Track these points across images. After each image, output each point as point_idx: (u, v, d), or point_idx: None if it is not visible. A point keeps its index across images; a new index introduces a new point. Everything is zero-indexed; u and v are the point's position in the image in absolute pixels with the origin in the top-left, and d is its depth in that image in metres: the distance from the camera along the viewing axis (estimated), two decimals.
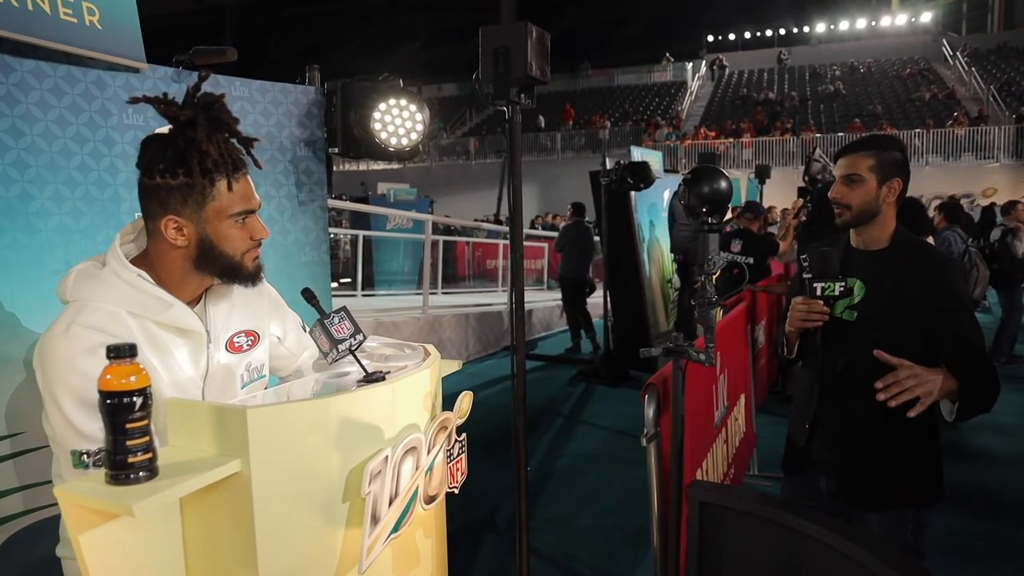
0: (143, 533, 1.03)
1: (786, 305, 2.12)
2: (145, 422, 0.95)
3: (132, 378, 0.93)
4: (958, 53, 30.40)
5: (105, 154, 2.16)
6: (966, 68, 28.72)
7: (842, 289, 1.94)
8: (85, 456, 1.20)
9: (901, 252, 1.99)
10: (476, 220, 17.79)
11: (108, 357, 0.94)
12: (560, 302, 10.34)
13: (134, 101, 1.35)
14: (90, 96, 2.13)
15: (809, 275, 1.96)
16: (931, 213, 6.83)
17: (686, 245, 7.21)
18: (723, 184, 1.86)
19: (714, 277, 1.95)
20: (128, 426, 0.93)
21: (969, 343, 1.88)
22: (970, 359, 1.85)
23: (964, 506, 3.82)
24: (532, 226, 16.87)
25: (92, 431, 1.20)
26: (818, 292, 1.94)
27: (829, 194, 2.04)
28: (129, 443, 0.93)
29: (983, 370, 1.86)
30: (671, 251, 7.61)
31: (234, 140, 1.36)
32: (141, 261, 1.37)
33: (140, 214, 1.38)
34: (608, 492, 4.23)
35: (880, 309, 1.96)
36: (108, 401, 0.93)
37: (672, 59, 36.36)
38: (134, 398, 0.93)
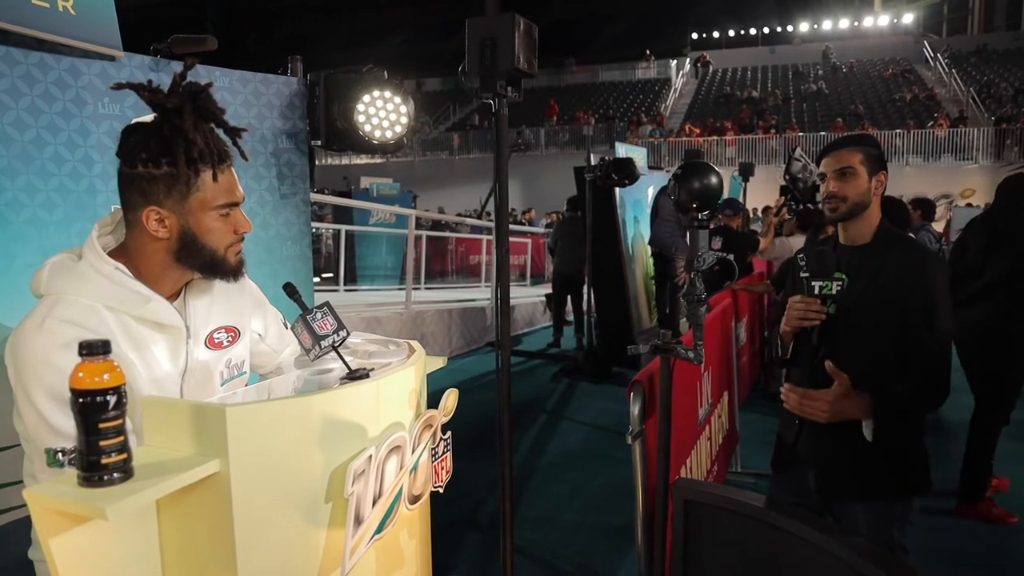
0: (118, 536, 0.99)
1: (777, 308, 2.13)
2: (119, 421, 0.91)
3: (105, 376, 0.90)
4: (939, 55, 30.75)
5: (80, 144, 2.11)
6: (946, 70, 29.05)
7: (839, 287, 1.95)
8: (60, 455, 1.17)
9: (883, 244, 2.03)
10: (459, 214, 17.74)
11: (80, 354, 0.90)
12: (543, 298, 10.34)
13: (118, 87, 1.31)
14: (64, 84, 2.08)
15: (807, 274, 1.97)
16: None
17: (665, 240, 7.22)
18: (714, 180, 1.85)
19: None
20: (101, 426, 0.89)
21: (931, 353, 1.92)
22: (924, 370, 1.92)
23: (947, 501, 3.86)
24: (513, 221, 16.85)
25: (68, 429, 1.16)
26: (816, 291, 1.95)
27: (824, 190, 2.05)
28: (102, 443, 0.89)
29: (929, 384, 1.92)
30: (648, 243, 7.62)
31: (220, 130, 1.32)
32: (119, 254, 1.33)
33: (117, 206, 1.34)
34: (591, 489, 4.23)
35: (859, 301, 1.98)
36: (80, 400, 0.89)
37: (653, 56, 36.44)
38: (107, 397, 0.89)
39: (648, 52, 36.70)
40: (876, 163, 2.03)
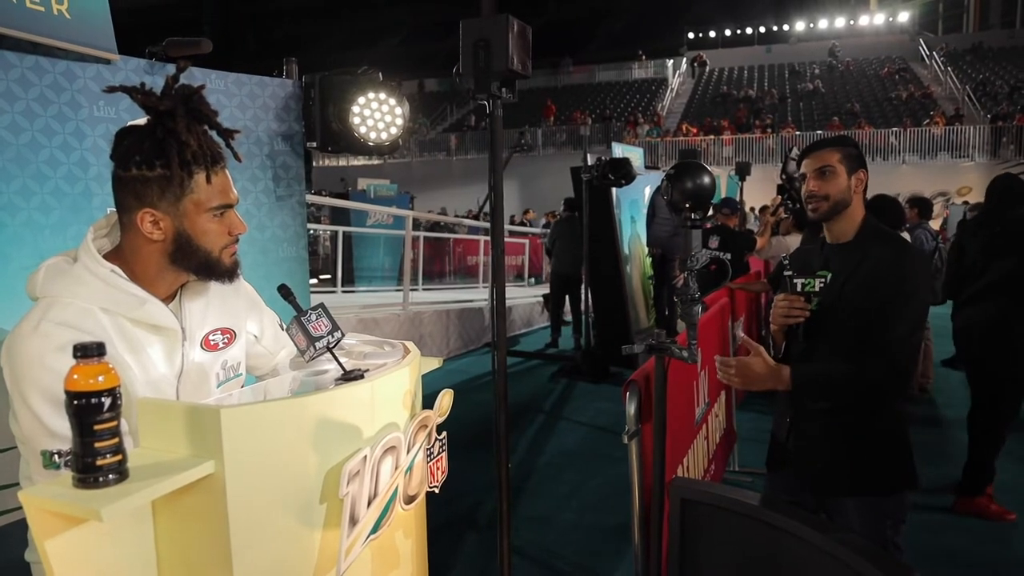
0: (113, 538, 1.00)
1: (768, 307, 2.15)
2: (114, 423, 0.92)
3: (100, 378, 0.90)
4: (934, 53, 30.80)
5: (75, 147, 2.11)
6: (942, 68, 29.11)
7: (822, 285, 1.96)
8: (56, 456, 1.16)
9: (865, 240, 2.04)
10: (457, 215, 17.74)
11: (75, 356, 0.91)
12: (540, 298, 10.34)
13: (111, 90, 1.31)
14: (59, 88, 2.08)
15: (790, 272, 1.99)
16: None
17: (665, 241, 7.23)
18: (706, 180, 1.86)
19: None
20: (96, 427, 0.90)
21: (889, 340, 1.90)
22: (876, 354, 1.90)
23: (942, 498, 3.87)
24: (510, 222, 16.88)
25: (63, 430, 1.16)
26: (799, 288, 1.97)
27: (804, 189, 2.06)
28: (97, 445, 0.90)
29: (876, 368, 1.90)
30: (647, 244, 7.62)
31: (213, 132, 1.33)
32: (114, 256, 1.34)
33: (112, 208, 1.35)
34: (589, 489, 4.23)
35: (840, 296, 2.00)
36: (75, 402, 0.90)
37: (644, 56, 36.44)
38: (102, 399, 0.90)
39: (640, 53, 36.70)
40: (855, 162, 2.06)
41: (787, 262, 2.02)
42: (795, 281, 1.99)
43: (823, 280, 1.98)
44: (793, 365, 1.94)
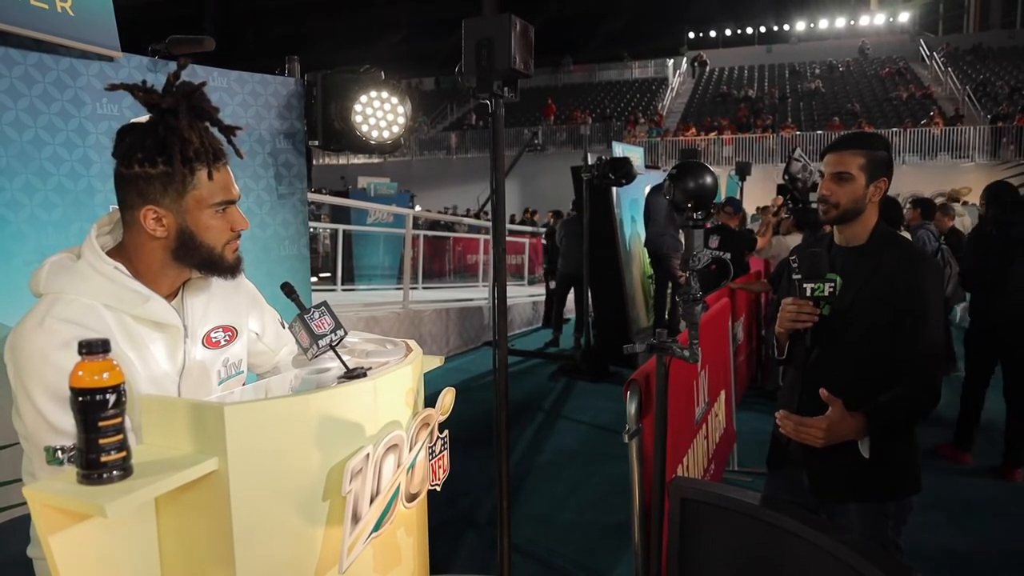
0: (117, 534, 1.00)
1: (774, 307, 2.14)
2: (118, 419, 0.92)
3: (105, 375, 0.90)
4: (935, 53, 30.80)
5: (78, 144, 2.12)
6: (942, 68, 29.09)
7: (831, 290, 1.95)
8: (60, 452, 1.17)
9: (877, 247, 2.02)
10: (452, 208, 17.69)
11: (80, 353, 0.91)
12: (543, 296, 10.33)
13: (112, 88, 1.32)
14: (62, 85, 2.08)
15: (799, 276, 1.97)
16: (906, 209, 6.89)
17: (656, 240, 7.22)
18: (708, 179, 1.86)
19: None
20: (101, 424, 0.90)
21: (922, 357, 1.92)
22: (915, 375, 1.92)
23: (941, 498, 3.87)
24: (511, 221, 16.86)
25: (67, 426, 1.17)
26: (808, 293, 1.95)
27: (818, 190, 2.04)
28: (102, 441, 0.90)
29: (922, 390, 1.93)
30: (645, 246, 7.62)
31: (215, 129, 1.33)
32: (117, 253, 1.34)
33: (115, 206, 1.35)
34: (589, 487, 4.24)
35: (852, 303, 1.98)
36: (80, 398, 0.90)
37: (640, 57, 36.45)
38: (107, 395, 0.90)
39: (626, 55, 36.75)
40: (878, 168, 2.00)
41: (795, 264, 2.01)
42: (804, 286, 1.96)
43: (832, 285, 1.96)
44: (866, 412, 1.90)
